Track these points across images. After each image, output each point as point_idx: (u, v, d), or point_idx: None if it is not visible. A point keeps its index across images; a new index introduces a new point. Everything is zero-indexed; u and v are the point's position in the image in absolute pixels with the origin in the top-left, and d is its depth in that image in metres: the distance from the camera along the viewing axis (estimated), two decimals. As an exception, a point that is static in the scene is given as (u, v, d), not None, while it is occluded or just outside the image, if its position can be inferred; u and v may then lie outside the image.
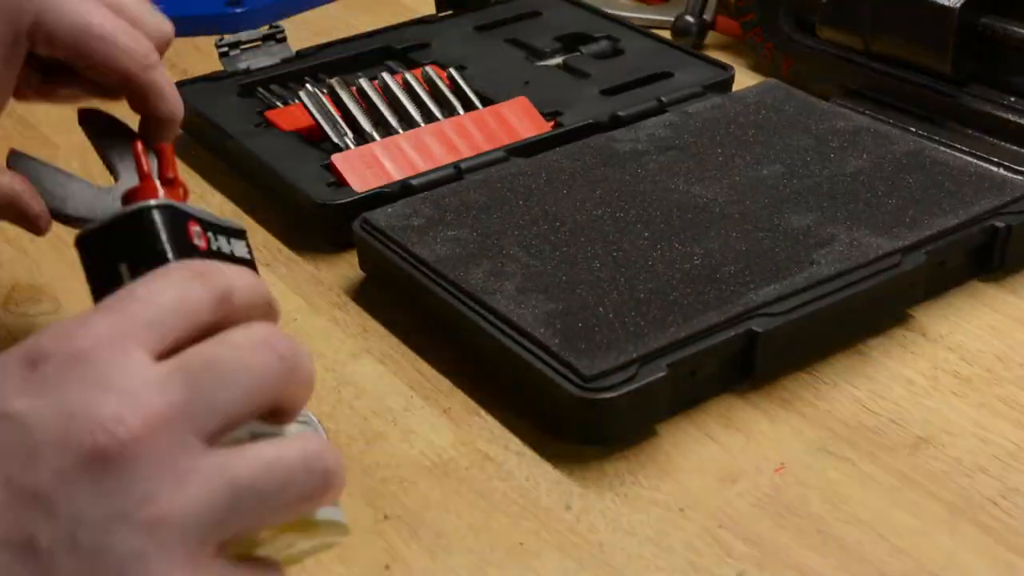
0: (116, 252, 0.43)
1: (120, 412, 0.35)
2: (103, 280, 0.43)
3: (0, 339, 0.67)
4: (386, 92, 0.82)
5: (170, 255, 0.42)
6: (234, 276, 0.40)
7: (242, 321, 0.40)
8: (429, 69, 0.84)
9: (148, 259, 0.42)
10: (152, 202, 0.43)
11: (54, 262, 0.74)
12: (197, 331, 0.38)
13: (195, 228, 0.44)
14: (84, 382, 0.35)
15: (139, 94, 0.56)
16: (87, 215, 0.56)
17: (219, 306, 0.39)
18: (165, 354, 0.37)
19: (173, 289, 0.39)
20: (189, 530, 0.35)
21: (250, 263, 0.46)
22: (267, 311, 0.41)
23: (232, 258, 0.45)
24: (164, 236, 0.43)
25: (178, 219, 0.43)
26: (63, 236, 0.76)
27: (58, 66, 0.56)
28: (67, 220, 0.57)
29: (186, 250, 0.43)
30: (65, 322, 0.38)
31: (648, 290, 0.61)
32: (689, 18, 0.97)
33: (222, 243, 0.45)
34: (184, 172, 0.82)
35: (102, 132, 0.58)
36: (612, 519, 0.54)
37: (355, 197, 0.72)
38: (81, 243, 0.44)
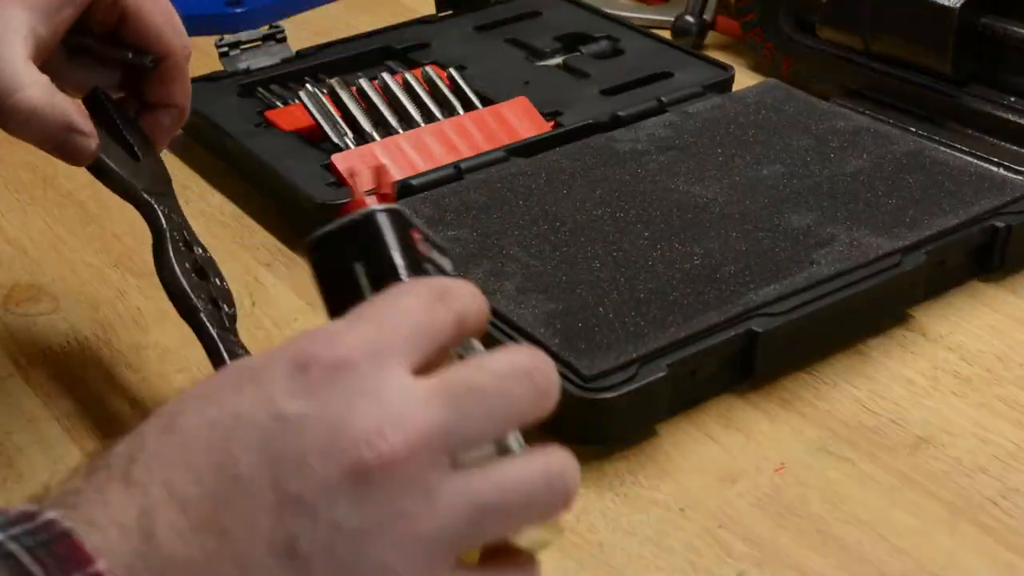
0: (351, 254, 0.43)
1: (383, 428, 0.36)
2: (337, 281, 0.43)
3: (0, 339, 0.67)
4: (386, 92, 0.82)
5: (402, 262, 0.43)
6: (467, 298, 0.41)
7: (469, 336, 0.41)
8: (429, 69, 0.84)
9: (382, 263, 0.42)
10: (385, 206, 0.43)
11: (54, 262, 0.74)
12: (438, 352, 0.39)
13: (418, 236, 0.44)
14: (350, 392, 0.36)
15: (168, 75, 0.59)
16: (126, 176, 0.57)
17: (457, 329, 0.40)
18: (417, 371, 0.38)
19: (422, 309, 0.39)
20: (434, 546, 0.36)
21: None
22: (483, 327, 0.42)
23: (443, 272, 0.45)
24: (397, 241, 0.43)
25: (405, 226, 0.44)
26: (62, 236, 0.76)
27: (84, 49, 0.59)
28: (102, 170, 0.57)
29: (414, 261, 0.43)
30: (327, 328, 0.38)
31: (648, 290, 0.61)
32: (689, 18, 0.97)
33: (435, 255, 0.45)
34: (184, 172, 0.82)
35: (115, 110, 0.59)
36: (612, 519, 0.54)
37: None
38: (316, 245, 0.43)
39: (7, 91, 0.52)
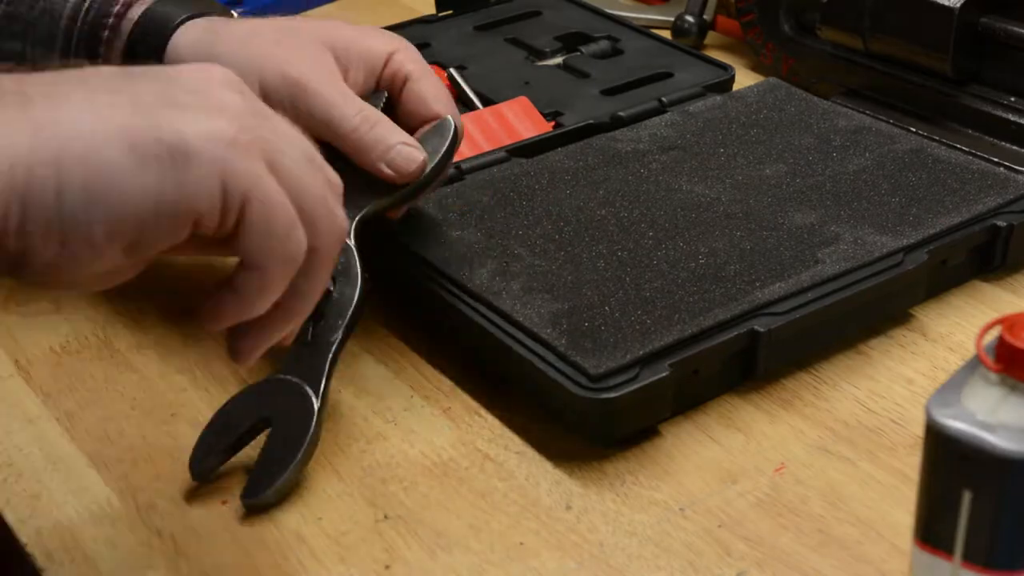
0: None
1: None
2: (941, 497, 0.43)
3: (0, 339, 0.67)
4: (386, 92, 0.82)
5: None
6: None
7: None
8: (429, 69, 0.84)
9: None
10: None
11: (54, 262, 0.74)
12: None
13: None
14: None
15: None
16: None
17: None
18: None
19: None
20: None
21: None
22: None
23: None
24: None
25: None
26: (63, 236, 0.76)
27: None
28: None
29: None
30: None
31: (654, 289, 0.61)
32: (689, 18, 0.97)
33: None
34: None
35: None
36: (612, 519, 0.54)
37: (356, 197, 0.72)
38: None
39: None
